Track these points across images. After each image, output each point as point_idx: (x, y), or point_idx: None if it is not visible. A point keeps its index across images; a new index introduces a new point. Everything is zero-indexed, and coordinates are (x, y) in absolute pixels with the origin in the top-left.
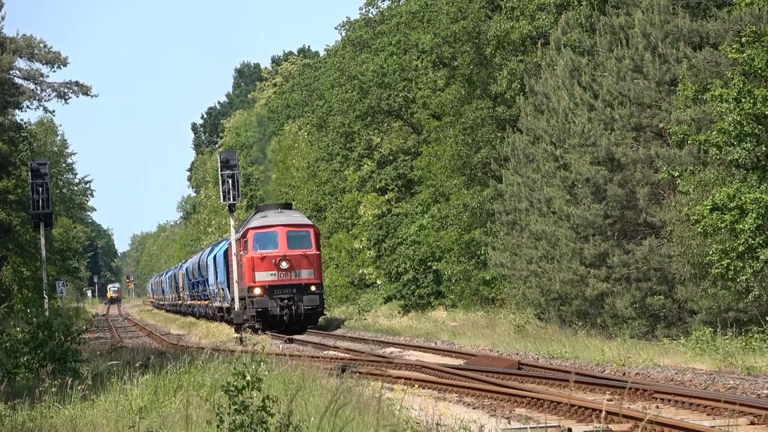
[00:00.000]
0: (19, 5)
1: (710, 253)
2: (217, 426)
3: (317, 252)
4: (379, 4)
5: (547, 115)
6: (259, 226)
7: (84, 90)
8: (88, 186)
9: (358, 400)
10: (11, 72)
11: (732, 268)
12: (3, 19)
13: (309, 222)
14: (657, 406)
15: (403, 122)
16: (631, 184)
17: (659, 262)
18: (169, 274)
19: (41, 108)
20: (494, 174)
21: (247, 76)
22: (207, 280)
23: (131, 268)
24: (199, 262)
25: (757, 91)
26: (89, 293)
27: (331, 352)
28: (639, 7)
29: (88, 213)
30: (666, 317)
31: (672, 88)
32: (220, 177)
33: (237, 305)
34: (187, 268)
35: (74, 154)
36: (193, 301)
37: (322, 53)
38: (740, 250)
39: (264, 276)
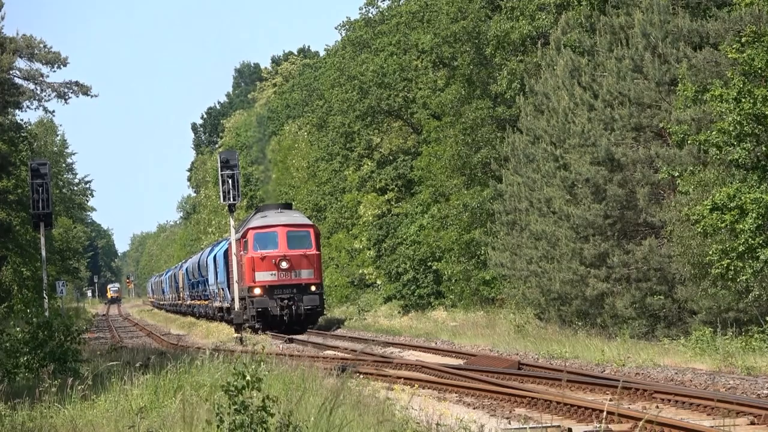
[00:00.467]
0: (19, 5)
1: (710, 253)
2: (217, 426)
3: (317, 252)
4: (379, 4)
5: (547, 115)
6: (259, 226)
7: (84, 90)
8: (88, 186)
9: (358, 400)
10: (11, 72)
11: (732, 268)
12: (3, 19)
13: (309, 222)
14: (657, 406)
15: (403, 122)
16: (631, 184)
17: (659, 262)
18: (169, 274)
19: (41, 108)
20: (494, 174)
21: (247, 76)
22: (207, 280)
23: (131, 268)
24: (199, 262)
25: (757, 91)
26: (89, 293)
27: (331, 352)
28: (639, 7)
29: (88, 213)
30: (666, 317)
31: (672, 88)
32: (220, 177)
33: (237, 305)
34: (187, 268)
35: (74, 154)
36: (193, 301)
37: (322, 53)
38: (740, 250)
39: (264, 276)
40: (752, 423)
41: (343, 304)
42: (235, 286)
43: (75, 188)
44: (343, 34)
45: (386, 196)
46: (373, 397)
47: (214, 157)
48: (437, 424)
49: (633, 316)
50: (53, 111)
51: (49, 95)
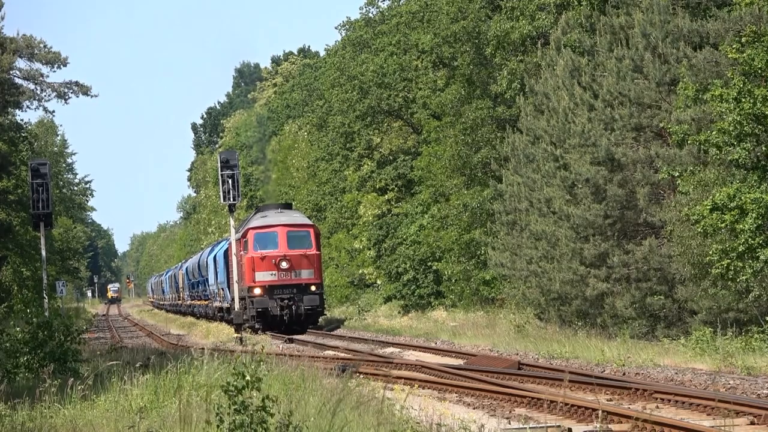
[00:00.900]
0: (19, 5)
1: (710, 253)
2: (217, 426)
3: (317, 252)
4: (379, 4)
5: (547, 115)
6: (259, 226)
7: (84, 90)
8: (88, 186)
9: (358, 400)
10: (11, 72)
11: (732, 268)
12: (3, 19)
13: (309, 222)
14: (657, 406)
15: (403, 122)
16: (631, 184)
17: (659, 262)
18: (169, 274)
19: (41, 108)
20: (494, 174)
21: (247, 76)
22: (207, 280)
23: (131, 268)
24: (199, 262)
25: (757, 91)
26: (89, 293)
27: (331, 352)
28: (639, 7)
29: (88, 213)
30: (666, 317)
31: (672, 88)
32: (220, 177)
33: (237, 305)
34: (187, 268)
35: (74, 154)
36: (193, 301)
37: (322, 53)
38: (740, 250)
39: (264, 276)
40: (752, 423)
41: (343, 304)
42: (235, 286)
43: (75, 188)
44: (343, 34)
45: (386, 196)
46: (373, 397)
47: (214, 157)
48: (437, 424)
49: (633, 316)
50: (53, 111)
51: (49, 95)
